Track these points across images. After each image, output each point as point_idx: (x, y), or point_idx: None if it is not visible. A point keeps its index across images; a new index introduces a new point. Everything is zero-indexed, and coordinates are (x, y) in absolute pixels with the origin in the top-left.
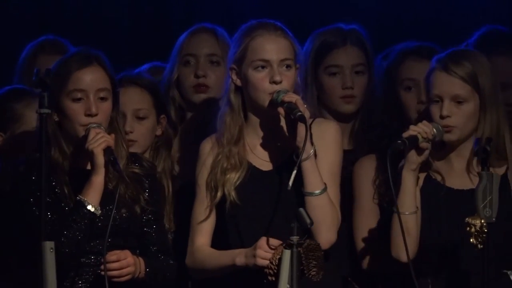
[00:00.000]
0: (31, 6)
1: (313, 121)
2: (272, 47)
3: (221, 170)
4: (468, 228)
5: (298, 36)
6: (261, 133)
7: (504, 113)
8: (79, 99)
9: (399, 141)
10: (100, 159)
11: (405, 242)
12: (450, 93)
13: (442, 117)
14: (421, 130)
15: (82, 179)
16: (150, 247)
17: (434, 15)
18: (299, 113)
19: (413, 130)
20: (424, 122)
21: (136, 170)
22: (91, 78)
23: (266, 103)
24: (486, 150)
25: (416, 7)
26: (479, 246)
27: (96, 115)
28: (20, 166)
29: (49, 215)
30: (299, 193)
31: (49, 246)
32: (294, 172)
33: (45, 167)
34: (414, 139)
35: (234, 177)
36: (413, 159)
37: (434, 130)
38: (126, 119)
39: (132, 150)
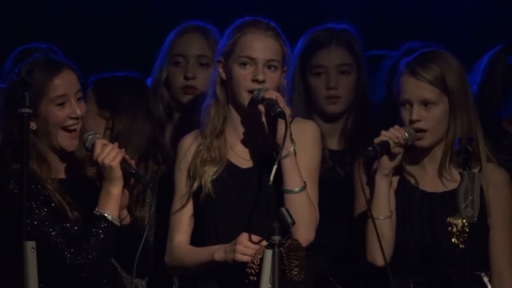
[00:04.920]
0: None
1: (292, 120)
2: (260, 46)
3: (200, 161)
4: (449, 228)
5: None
6: (240, 130)
7: (476, 115)
8: (62, 104)
9: (370, 148)
10: (118, 172)
11: (381, 246)
12: (418, 97)
13: (412, 122)
14: (392, 135)
15: (63, 189)
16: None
17: (432, 15)
18: (279, 109)
19: (384, 135)
20: (396, 127)
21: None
22: (69, 82)
23: (246, 100)
24: (467, 150)
25: (416, 7)
26: (460, 246)
27: (79, 116)
28: (9, 184)
29: (54, 229)
30: (278, 191)
31: (30, 246)
32: (275, 167)
33: (26, 167)
34: (385, 145)
35: (211, 171)
36: (386, 164)
37: (406, 134)
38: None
39: None
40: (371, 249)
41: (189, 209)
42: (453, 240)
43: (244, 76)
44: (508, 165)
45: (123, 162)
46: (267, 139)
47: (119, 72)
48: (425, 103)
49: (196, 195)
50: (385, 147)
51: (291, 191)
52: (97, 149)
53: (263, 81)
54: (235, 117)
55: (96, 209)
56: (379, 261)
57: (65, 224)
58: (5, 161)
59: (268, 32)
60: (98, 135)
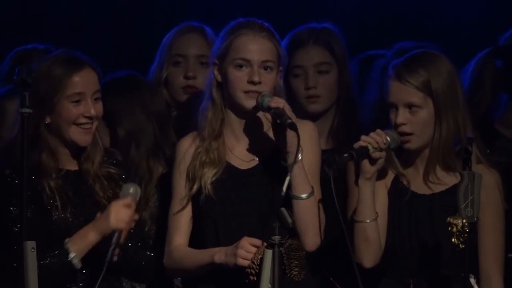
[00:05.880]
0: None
1: None
2: (254, 47)
3: (199, 163)
4: (449, 228)
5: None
6: (238, 132)
7: (466, 116)
8: (77, 102)
9: (346, 155)
10: (108, 230)
11: (350, 247)
12: (403, 101)
13: (397, 125)
14: (371, 140)
15: (67, 181)
16: (127, 242)
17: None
18: (289, 121)
19: (363, 140)
20: (378, 131)
21: (112, 170)
22: (88, 81)
23: (243, 100)
24: (467, 150)
25: (416, 7)
26: (460, 246)
27: (94, 116)
28: (6, 170)
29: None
30: (278, 192)
31: (30, 246)
32: (288, 179)
33: (26, 166)
34: (363, 150)
35: (211, 172)
36: (367, 168)
37: (388, 138)
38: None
39: None
40: (357, 250)
41: (188, 211)
42: (453, 240)
43: (239, 78)
44: (502, 167)
45: (119, 232)
46: (265, 139)
47: (111, 75)
48: (410, 107)
49: (195, 197)
50: (363, 152)
51: (299, 197)
52: (119, 204)
53: (259, 83)
54: (233, 119)
55: (67, 240)
56: (366, 262)
57: (44, 226)
58: (15, 154)
59: (262, 33)
60: (138, 192)
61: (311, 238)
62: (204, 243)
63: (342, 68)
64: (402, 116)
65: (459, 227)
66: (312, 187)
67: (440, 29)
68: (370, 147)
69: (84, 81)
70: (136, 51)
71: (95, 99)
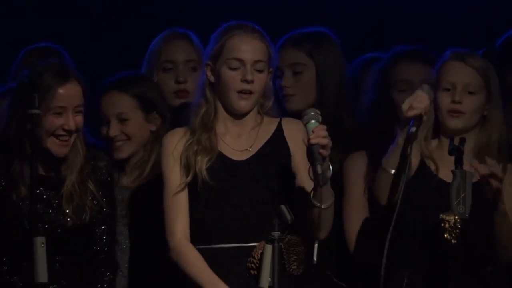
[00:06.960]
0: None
1: (280, 120)
2: (247, 47)
3: (192, 152)
4: (442, 224)
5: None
6: (230, 126)
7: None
8: (59, 113)
9: (411, 131)
10: None
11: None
12: (463, 81)
13: (454, 102)
14: (424, 105)
15: (38, 186)
16: (94, 255)
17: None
18: (319, 171)
19: (416, 107)
20: (418, 94)
21: (91, 188)
22: (71, 95)
23: (236, 101)
24: (459, 149)
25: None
26: (453, 241)
27: (73, 130)
28: None
29: None
30: (270, 184)
31: (40, 241)
32: (316, 246)
33: (34, 166)
34: (419, 118)
35: (205, 159)
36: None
37: (427, 94)
38: (110, 123)
39: (124, 147)
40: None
41: (185, 196)
42: (445, 236)
43: (233, 77)
44: None
45: None
46: (257, 133)
47: (122, 73)
48: (468, 89)
49: (189, 187)
50: (420, 120)
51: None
52: None
53: (252, 81)
54: (225, 115)
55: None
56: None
57: None
58: None
59: (254, 34)
60: None
61: (324, 234)
62: (201, 232)
63: (320, 70)
64: (460, 95)
65: (451, 223)
66: (333, 197)
67: (436, 32)
68: (424, 114)
69: (67, 94)
70: (135, 52)
71: (76, 112)
